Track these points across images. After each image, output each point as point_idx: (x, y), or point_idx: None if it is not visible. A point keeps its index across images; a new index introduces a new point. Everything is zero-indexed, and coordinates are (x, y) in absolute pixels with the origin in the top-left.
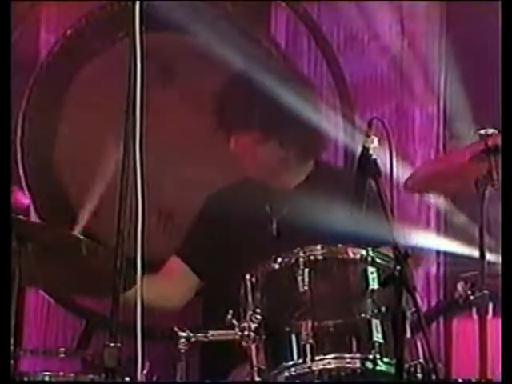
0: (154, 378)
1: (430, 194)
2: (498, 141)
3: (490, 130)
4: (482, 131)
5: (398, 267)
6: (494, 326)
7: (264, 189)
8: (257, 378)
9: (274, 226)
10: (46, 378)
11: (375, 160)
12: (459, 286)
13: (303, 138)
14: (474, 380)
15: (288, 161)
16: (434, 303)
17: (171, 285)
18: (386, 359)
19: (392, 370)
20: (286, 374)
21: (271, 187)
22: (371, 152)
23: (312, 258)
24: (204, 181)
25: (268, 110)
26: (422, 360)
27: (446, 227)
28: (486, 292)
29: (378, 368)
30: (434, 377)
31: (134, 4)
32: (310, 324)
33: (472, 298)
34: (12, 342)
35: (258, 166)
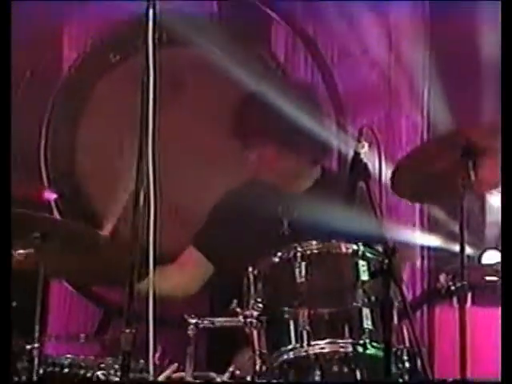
0: (166, 361)
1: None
2: (476, 146)
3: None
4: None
5: (387, 261)
6: (473, 313)
7: (277, 192)
8: (258, 361)
9: (286, 225)
10: (68, 361)
11: (366, 164)
12: (441, 277)
13: (311, 148)
14: (473, 380)
15: (299, 169)
16: (418, 293)
17: (187, 272)
18: (375, 344)
19: (380, 353)
20: (285, 357)
21: (283, 191)
22: (362, 156)
23: (308, 252)
24: (213, 181)
25: (281, 124)
26: (407, 344)
27: (430, 224)
28: (465, 283)
29: (367, 352)
30: (418, 361)
31: (147, 21)
32: (306, 312)
33: (453, 288)
34: (38, 328)
35: (275, 174)
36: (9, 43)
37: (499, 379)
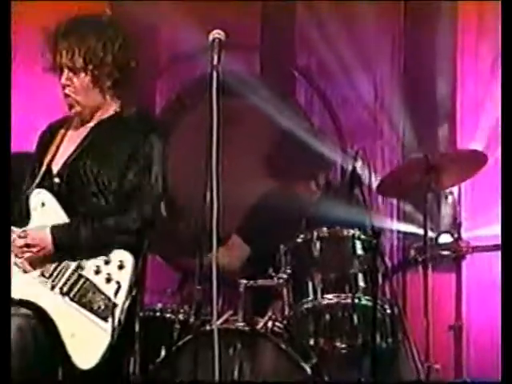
0: (225, 309)
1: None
2: (434, 162)
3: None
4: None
5: (374, 241)
6: (433, 278)
7: (297, 197)
8: (287, 309)
9: (304, 221)
10: (159, 307)
11: (359, 175)
12: (411, 252)
13: (322, 166)
14: (474, 380)
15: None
16: (395, 263)
17: (233, 253)
18: (366, 297)
19: (370, 303)
20: (305, 306)
21: (302, 197)
22: (357, 170)
23: (321, 235)
24: (251, 189)
25: (304, 155)
26: (388, 297)
27: (404, 216)
28: (428, 256)
29: (361, 302)
30: (396, 309)
31: (211, 79)
32: (320, 276)
33: (419, 259)
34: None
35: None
36: (9, 43)
37: (499, 379)
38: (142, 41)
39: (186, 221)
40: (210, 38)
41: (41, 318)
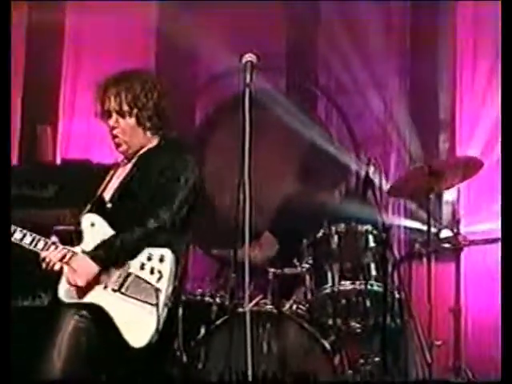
0: (255, 293)
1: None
2: (436, 168)
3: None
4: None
5: (385, 235)
6: (435, 268)
7: (320, 199)
8: (309, 294)
9: (326, 222)
10: (199, 292)
11: (372, 179)
12: (416, 245)
13: (342, 173)
14: (474, 380)
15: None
16: (403, 254)
17: (264, 249)
18: (378, 284)
19: (381, 290)
20: (324, 291)
21: (323, 199)
22: (370, 174)
23: (339, 230)
24: (279, 190)
25: (328, 166)
26: (397, 285)
27: (410, 214)
28: (431, 249)
29: (373, 288)
30: (403, 294)
31: (243, 96)
32: (337, 265)
33: (423, 252)
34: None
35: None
36: (8, 42)
37: (499, 379)
38: (185, 64)
39: (222, 219)
40: (244, 60)
41: (97, 314)
